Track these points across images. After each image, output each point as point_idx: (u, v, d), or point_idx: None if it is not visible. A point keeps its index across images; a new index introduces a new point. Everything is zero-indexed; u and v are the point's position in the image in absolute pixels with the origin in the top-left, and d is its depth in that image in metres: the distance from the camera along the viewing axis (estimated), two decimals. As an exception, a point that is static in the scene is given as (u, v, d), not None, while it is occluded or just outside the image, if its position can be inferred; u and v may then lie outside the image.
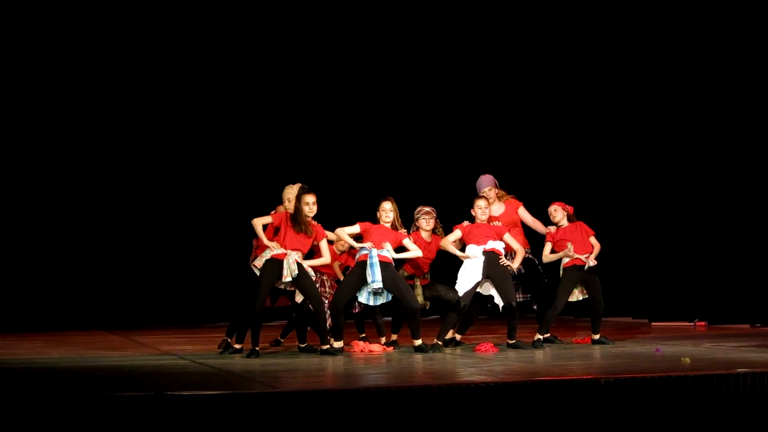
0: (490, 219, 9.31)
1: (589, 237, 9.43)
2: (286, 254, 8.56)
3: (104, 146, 14.29)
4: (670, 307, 12.63)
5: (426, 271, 9.38)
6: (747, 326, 11.39)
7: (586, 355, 8.34)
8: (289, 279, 8.56)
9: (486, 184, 9.61)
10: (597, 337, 9.48)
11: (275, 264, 8.57)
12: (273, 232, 8.80)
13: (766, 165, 11.53)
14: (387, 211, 8.89)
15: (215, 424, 5.53)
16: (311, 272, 8.70)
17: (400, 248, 8.94)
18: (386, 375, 7.08)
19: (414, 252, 8.87)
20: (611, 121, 13.78)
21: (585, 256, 9.28)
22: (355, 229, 8.88)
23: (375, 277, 8.60)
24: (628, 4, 13.13)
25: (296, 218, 8.66)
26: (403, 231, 9.15)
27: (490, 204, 9.36)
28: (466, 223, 9.17)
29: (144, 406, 5.52)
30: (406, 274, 9.25)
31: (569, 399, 5.96)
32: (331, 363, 7.97)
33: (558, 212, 9.46)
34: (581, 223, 9.49)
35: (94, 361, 8.59)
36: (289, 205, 8.94)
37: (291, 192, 8.96)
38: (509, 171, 12.25)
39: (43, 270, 14.01)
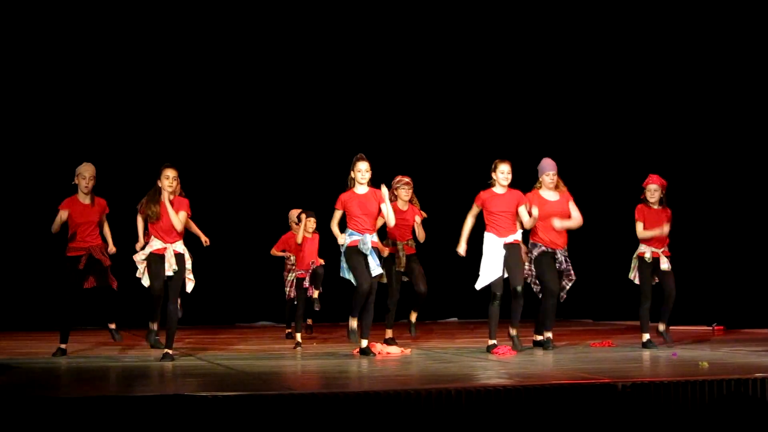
0: (543, 203, 9.09)
1: (665, 222, 9.32)
2: (165, 249, 8.36)
3: (101, 148, 14.09)
4: (689, 312, 12.55)
5: (409, 238, 9.35)
6: (765, 331, 11.33)
7: (602, 359, 8.30)
8: (170, 273, 8.35)
9: (550, 167, 9.33)
10: (662, 328, 9.51)
11: (157, 258, 8.37)
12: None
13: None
14: (363, 171, 8.55)
15: (232, 426, 5.53)
16: (189, 263, 8.42)
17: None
18: (403, 378, 7.06)
19: (389, 218, 8.61)
20: (626, 125, 13.73)
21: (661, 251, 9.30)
22: (338, 214, 8.62)
23: (375, 261, 8.54)
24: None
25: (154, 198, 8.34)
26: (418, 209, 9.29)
27: (549, 188, 9.16)
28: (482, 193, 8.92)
29: (160, 407, 5.51)
30: (389, 241, 9.32)
31: (586, 403, 5.94)
32: (350, 366, 7.96)
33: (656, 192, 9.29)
34: (663, 209, 9.38)
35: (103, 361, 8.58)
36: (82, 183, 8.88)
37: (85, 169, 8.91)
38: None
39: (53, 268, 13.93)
